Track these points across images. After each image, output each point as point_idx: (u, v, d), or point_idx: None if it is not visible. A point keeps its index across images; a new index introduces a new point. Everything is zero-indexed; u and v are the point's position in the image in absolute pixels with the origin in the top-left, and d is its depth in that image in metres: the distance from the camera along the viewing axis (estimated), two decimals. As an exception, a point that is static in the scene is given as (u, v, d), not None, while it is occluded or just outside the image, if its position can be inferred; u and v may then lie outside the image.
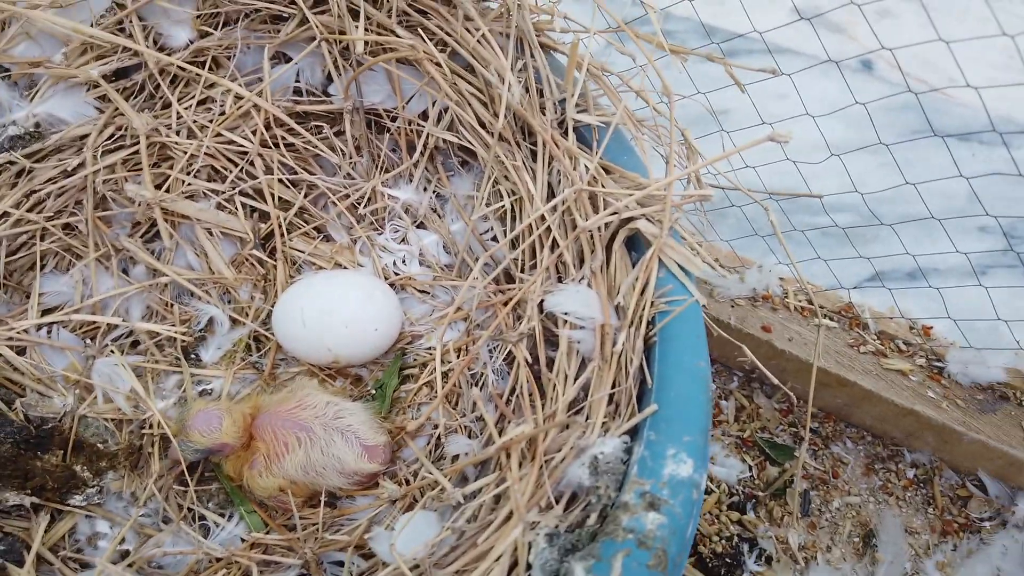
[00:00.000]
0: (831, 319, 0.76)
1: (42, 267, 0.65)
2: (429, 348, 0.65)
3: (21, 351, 0.60)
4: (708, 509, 0.66)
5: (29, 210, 0.63)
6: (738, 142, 0.65)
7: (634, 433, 0.50)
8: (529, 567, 0.45)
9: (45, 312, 0.63)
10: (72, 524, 0.55)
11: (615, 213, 0.56)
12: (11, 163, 0.62)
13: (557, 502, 0.48)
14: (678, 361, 0.52)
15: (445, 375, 0.62)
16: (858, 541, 0.68)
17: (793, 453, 0.71)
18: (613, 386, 0.52)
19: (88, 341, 0.64)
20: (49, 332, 0.62)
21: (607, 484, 0.48)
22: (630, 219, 0.57)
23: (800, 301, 0.75)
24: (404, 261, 0.69)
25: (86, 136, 0.65)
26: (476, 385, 0.60)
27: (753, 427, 0.72)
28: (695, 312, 0.54)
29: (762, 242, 0.76)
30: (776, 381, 0.58)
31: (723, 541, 0.64)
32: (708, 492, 0.68)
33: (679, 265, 0.56)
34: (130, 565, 0.54)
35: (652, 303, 0.54)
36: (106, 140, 0.65)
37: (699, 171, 0.59)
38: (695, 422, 0.49)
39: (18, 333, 0.60)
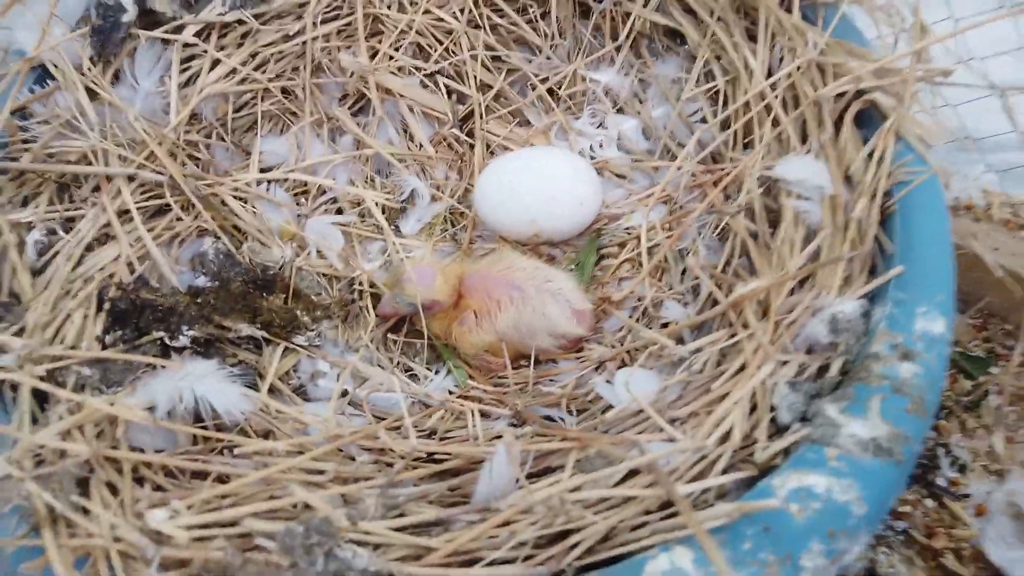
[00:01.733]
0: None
1: (260, 130, 0.67)
2: (628, 228, 0.65)
3: (243, 203, 0.63)
4: (904, 410, 0.64)
5: (253, 69, 0.65)
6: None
7: (874, 298, 0.49)
8: (773, 409, 0.45)
9: (263, 171, 0.66)
10: (296, 361, 0.58)
11: (853, 81, 0.55)
12: (240, 22, 0.64)
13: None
14: (922, 228, 0.50)
15: (650, 251, 0.62)
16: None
17: (988, 367, 0.69)
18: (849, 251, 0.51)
19: (301, 200, 0.67)
20: (268, 188, 0.65)
21: (848, 341, 0.47)
22: (863, 92, 0.56)
23: (1005, 213, 0.72)
24: (601, 145, 0.69)
25: (306, 3, 0.67)
26: (691, 256, 0.60)
27: (948, 339, 0.70)
28: (936, 184, 0.52)
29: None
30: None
31: (921, 442, 0.62)
32: (904, 394, 0.66)
33: (920, 139, 0.54)
34: (349, 403, 0.56)
35: (890, 174, 0.53)
36: (324, 8, 0.67)
37: (929, 48, 0.57)
38: (944, 284, 0.48)
39: (243, 185, 0.63)
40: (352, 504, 0.42)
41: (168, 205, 0.59)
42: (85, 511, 0.39)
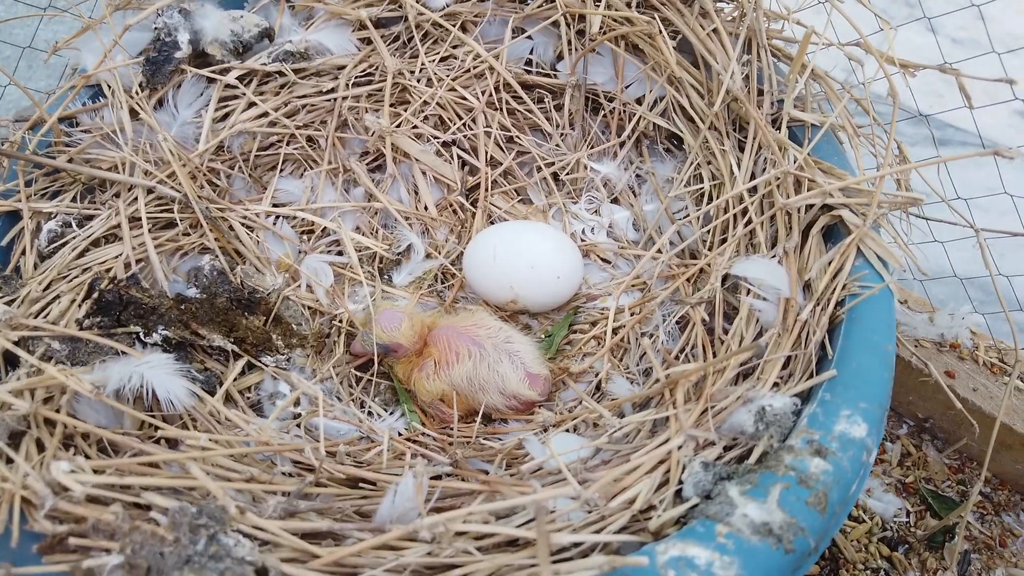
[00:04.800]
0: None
1: (280, 170, 0.73)
2: (603, 309, 0.67)
3: (250, 231, 0.68)
4: (858, 537, 0.63)
5: (284, 116, 0.72)
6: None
7: (806, 399, 0.49)
8: (680, 484, 0.45)
9: (275, 206, 0.71)
10: (260, 379, 0.61)
11: (820, 195, 0.57)
12: (280, 73, 0.71)
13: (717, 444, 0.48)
14: (864, 338, 0.51)
15: (615, 331, 0.64)
16: (1019, 623, 0.62)
17: (958, 509, 0.66)
18: (791, 351, 0.52)
19: (304, 238, 0.71)
20: (275, 221, 0.70)
21: (772, 435, 0.47)
22: (832, 208, 0.58)
23: (991, 357, 0.71)
24: (593, 231, 0.72)
25: (343, 67, 0.73)
26: (646, 338, 0.62)
27: (918, 475, 0.68)
28: (887, 300, 0.53)
29: (957, 286, 0.72)
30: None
31: (868, 571, 0.61)
32: (860, 521, 0.64)
33: (878, 256, 0.55)
34: (298, 425, 0.59)
35: (844, 286, 0.54)
36: (358, 74, 0.74)
37: (908, 176, 0.59)
38: (874, 394, 0.48)
39: (252, 215, 0.68)
40: (254, 502, 0.44)
41: (176, 222, 0.64)
42: (8, 460, 0.42)
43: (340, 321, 0.66)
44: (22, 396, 0.45)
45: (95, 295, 0.56)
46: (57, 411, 0.46)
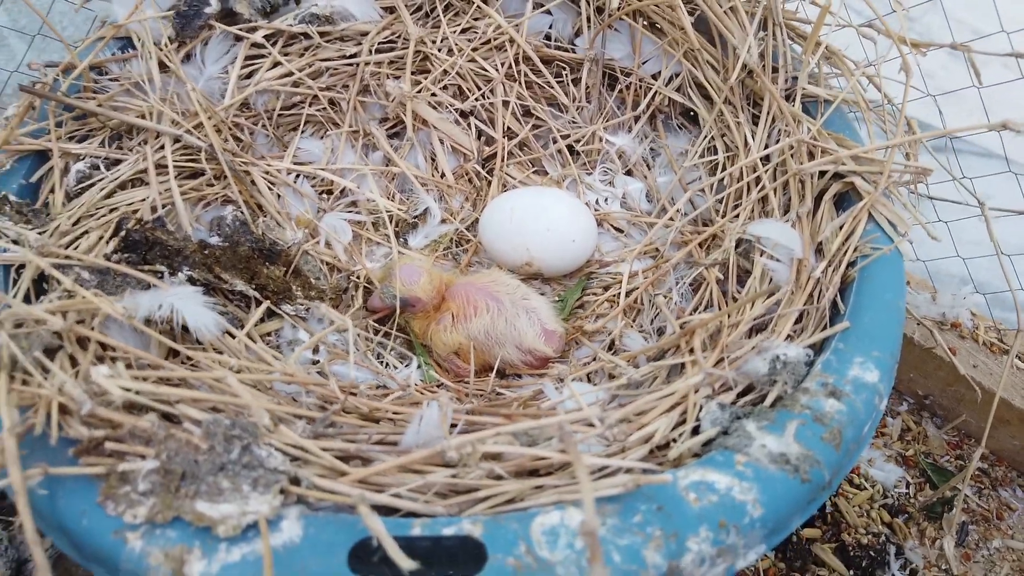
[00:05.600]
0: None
1: (302, 131, 0.74)
2: (615, 274, 0.68)
3: (271, 186, 0.69)
4: (859, 503, 0.64)
5: (308, 76, 0.73)
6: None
7: (819, 351, 0.51)
8: (698, 422, 0.46)
9: (296, 164, 0.72)
10: (279, 327, 0.61)
11: (833, 162, 0.59)
12: (306, 35, 0.72)
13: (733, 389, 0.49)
14: (876, 295, 0.53)
15: (628, 293, 0.65)
16: (1015, 588, 0.63)
17: (956, 478, 0.68)
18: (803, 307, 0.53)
19: (323, 197, 0.72)
20: (296, 179, 0.71)
21: (786, 380, 0.49)
22: (844, 176, 0.60)
23: (991, 337, 0.73)
24: (607, 201, 0.74)
25: (366, 33, 0.75)
26: (660, 297, 0.63)
27: (917, 448, 0.70)
28: (898, 261, 0.55)
29: (960, 266, 0.74)
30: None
31: (870, 536, 0.62)
32: (861, 488, 0.65)
33: (888, 221, 0.57)
34: (320, 373, 0.59)
35: (856, 248, 0.56)
36: (381, 40, 0.75)
37: (917, 149, 0.61)
38: (887, 345, 0.50)
39: (274, 171, 0.69)
40: (284, 423, 0.45)
41: (203, 171, 0.65)
42: (44, 369, 0.42)
43: (358, 277, 0.67)
44: (55, 316, 0.46)
45: (122, 233, 0.57)
46: (91, 330, 0.46)
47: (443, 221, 0.74)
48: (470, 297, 0.62)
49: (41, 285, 0.51)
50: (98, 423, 0.40)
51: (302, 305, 0.63)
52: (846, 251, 0.56)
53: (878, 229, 0.56)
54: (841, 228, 0.57)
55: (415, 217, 0.74)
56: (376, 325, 0.66)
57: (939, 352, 0.70)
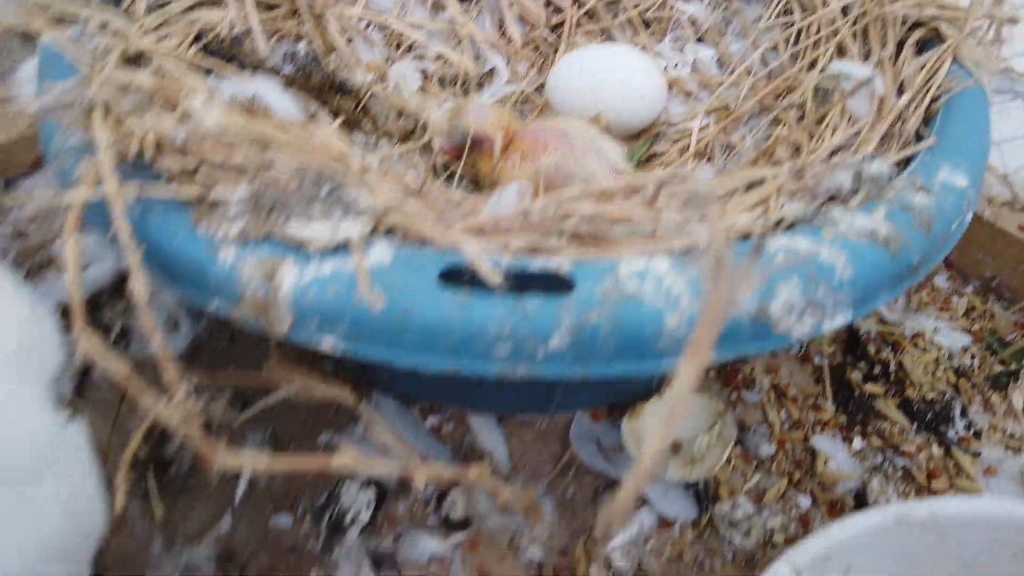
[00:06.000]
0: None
1: (373, -14, 0.75)
2: (685, 130, 0.68)
3: (342, 32, 0.69)
4: (925, 363, 0.63)
5: (382, -70, 0.73)
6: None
7: (904, 168, 0.50)
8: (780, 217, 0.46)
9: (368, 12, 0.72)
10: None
11: (917, 6, 0.58)
12: None
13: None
14: (963, 119, 0.52)
15: (699, 143, 0.64)
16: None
17: (1022, 357, 0.67)
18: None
19: (393, 48, 0.73)
20: (367, 27, 0.71)
21: (870, 190, 0.48)
22: (924, 23, 0.59)
23: (1062, 221, 0.71)
24: (676, 67, 0.73)
25: None
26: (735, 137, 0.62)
27: (984, 325, 0.69)
28: (983, 98, 0.54)
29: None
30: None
31: (935, 392, 0.61)
32: (926, 351, 0.64)
33: (974, 63, 0.56)
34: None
35: (940, 85, 0.55)
36: (457, -98, 0.75)
37: None
38: (975, 157, 0.49)
39: (346, 17, 0.69)
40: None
41: (278, 4, 0.65)
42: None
43: (425, 124, 0.67)
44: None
45: (202, 43, 0.58)
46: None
47: (509, 82, 0.74)
48: (539, 137, 0.62)
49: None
50: (192, 152, 0.40)
51: (371, 136, 0.64)
52: (929, 88, 0.55)
53: (961, 70, 0.55)
54: (923, 68, 0.56)
55: (482, 76, 0.73)
56: (441, 166, 0.66)
57: (1011, 232, 0.69)
